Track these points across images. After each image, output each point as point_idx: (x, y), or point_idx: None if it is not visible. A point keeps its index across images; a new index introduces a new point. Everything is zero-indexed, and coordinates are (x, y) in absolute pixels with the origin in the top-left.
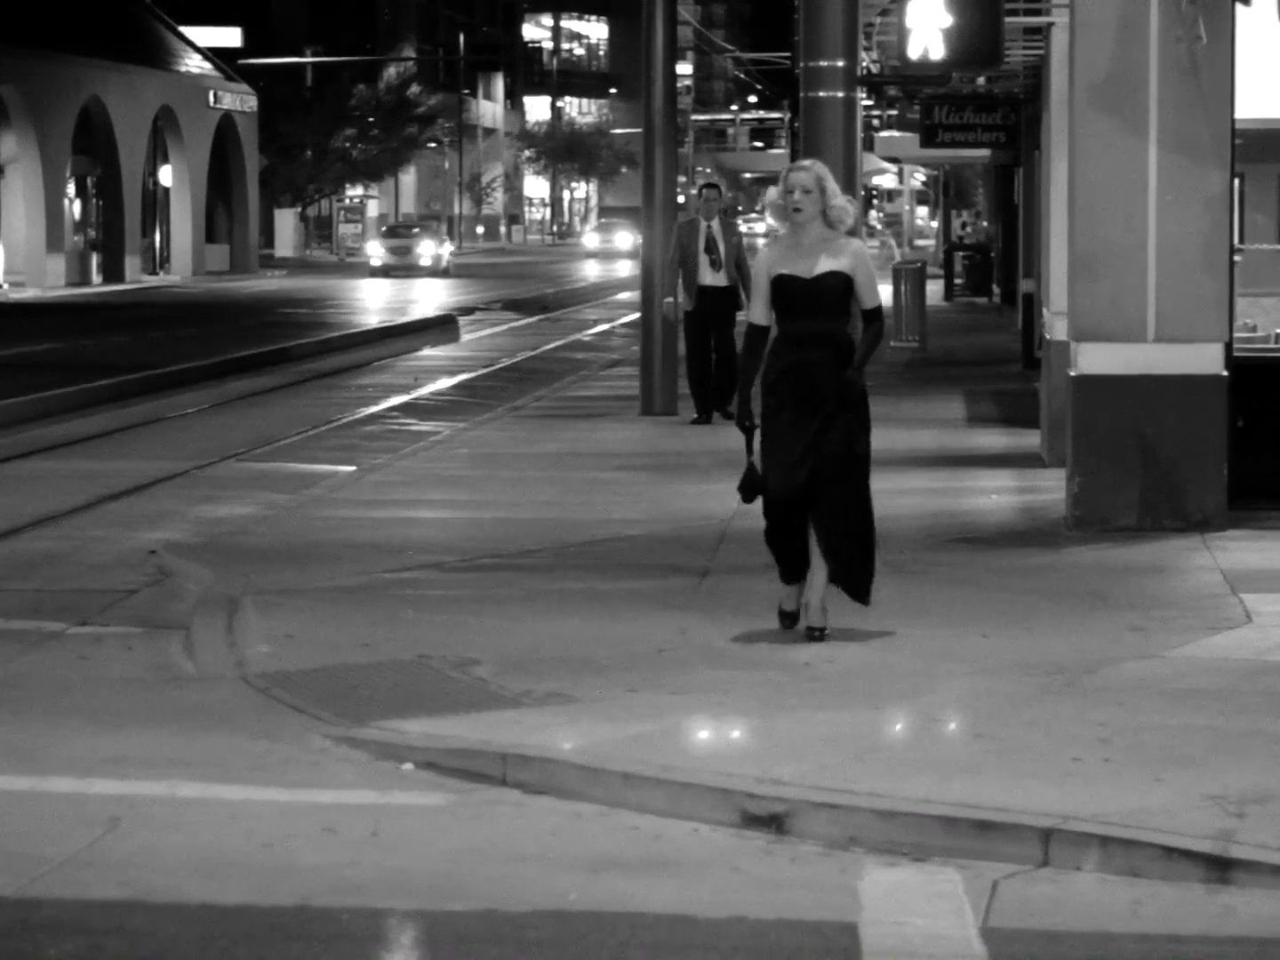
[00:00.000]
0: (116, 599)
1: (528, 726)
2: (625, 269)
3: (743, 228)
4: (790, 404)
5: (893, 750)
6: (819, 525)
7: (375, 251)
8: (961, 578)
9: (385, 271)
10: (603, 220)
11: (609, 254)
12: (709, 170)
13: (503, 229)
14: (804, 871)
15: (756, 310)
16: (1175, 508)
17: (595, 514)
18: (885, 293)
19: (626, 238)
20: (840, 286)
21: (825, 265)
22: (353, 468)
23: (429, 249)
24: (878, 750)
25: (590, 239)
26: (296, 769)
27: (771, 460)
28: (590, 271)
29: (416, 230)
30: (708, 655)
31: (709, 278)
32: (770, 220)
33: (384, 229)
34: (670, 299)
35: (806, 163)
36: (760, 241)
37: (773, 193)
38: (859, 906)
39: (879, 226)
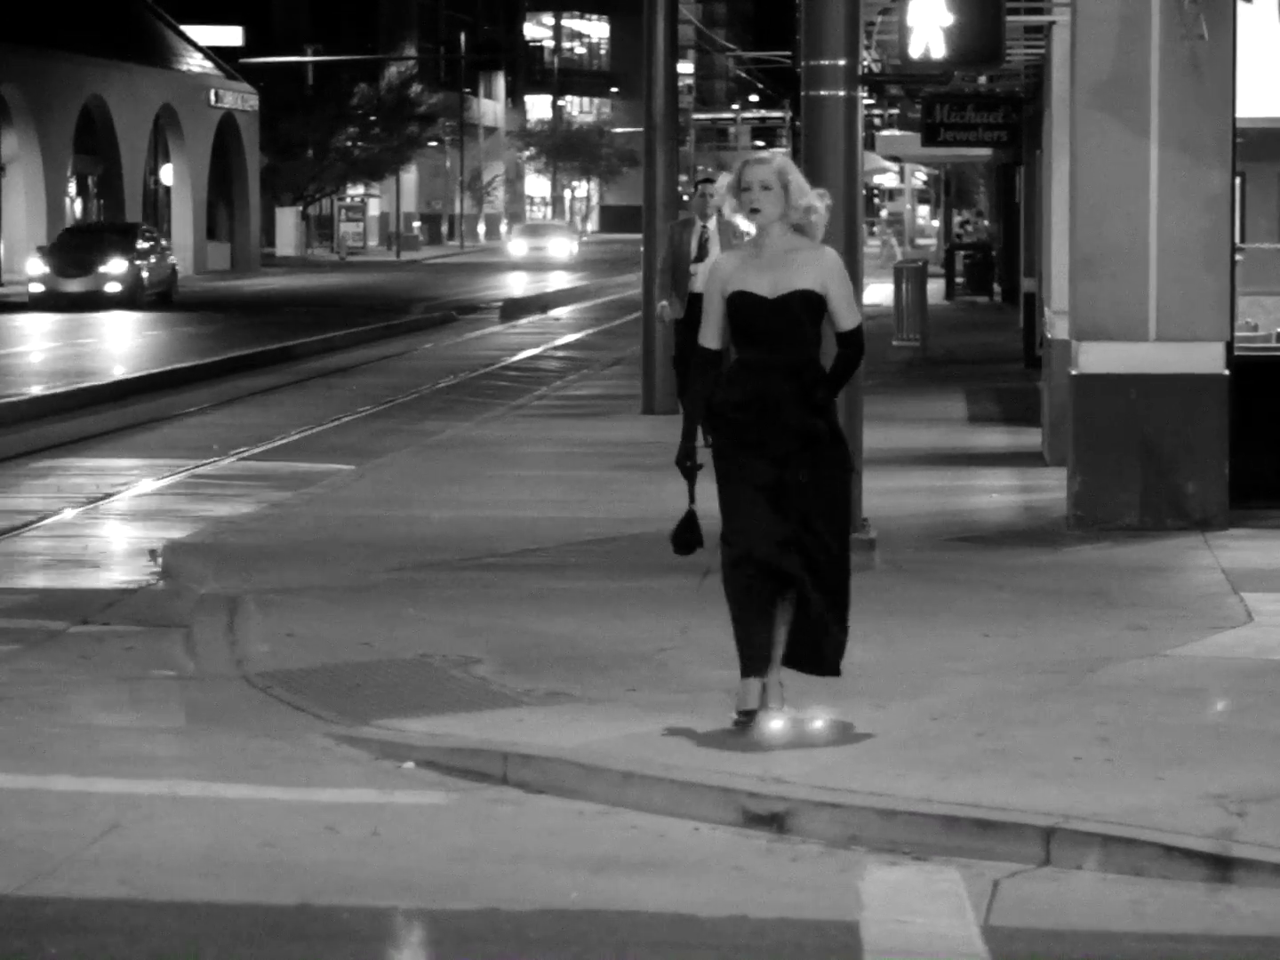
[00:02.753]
0: (117, 598)
1: (529, 725)
2: (561, 281)
3: (745, 227)
4: (749, 444)
5: (893, 749)
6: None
7: (34, 269)
8: (962, 577)
9: (46, 300)
10: (531, 223)
11: (540, 265)
12: (708, 169)
13: (503, 228)
14: (805, 870)
15: (708, 331)
16: (1176, 507)
17: (596, 513)
18: (885, 292)
19: (563, 244)
20: (808, 308)
21: (791, 282)
22: (354, 466)
23: (118, 266)
24: (878, 749)
25: (516, 246)
26: (297, 768)
27: (741, 519)
28: (496, 286)
29: (100, 235)
30: (708, 654)
31: (700, 283)
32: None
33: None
34: (665, 303)
35: (766, 154)
36: None
37: (723, 182)
38: (860, 905)
39: (879, 226)
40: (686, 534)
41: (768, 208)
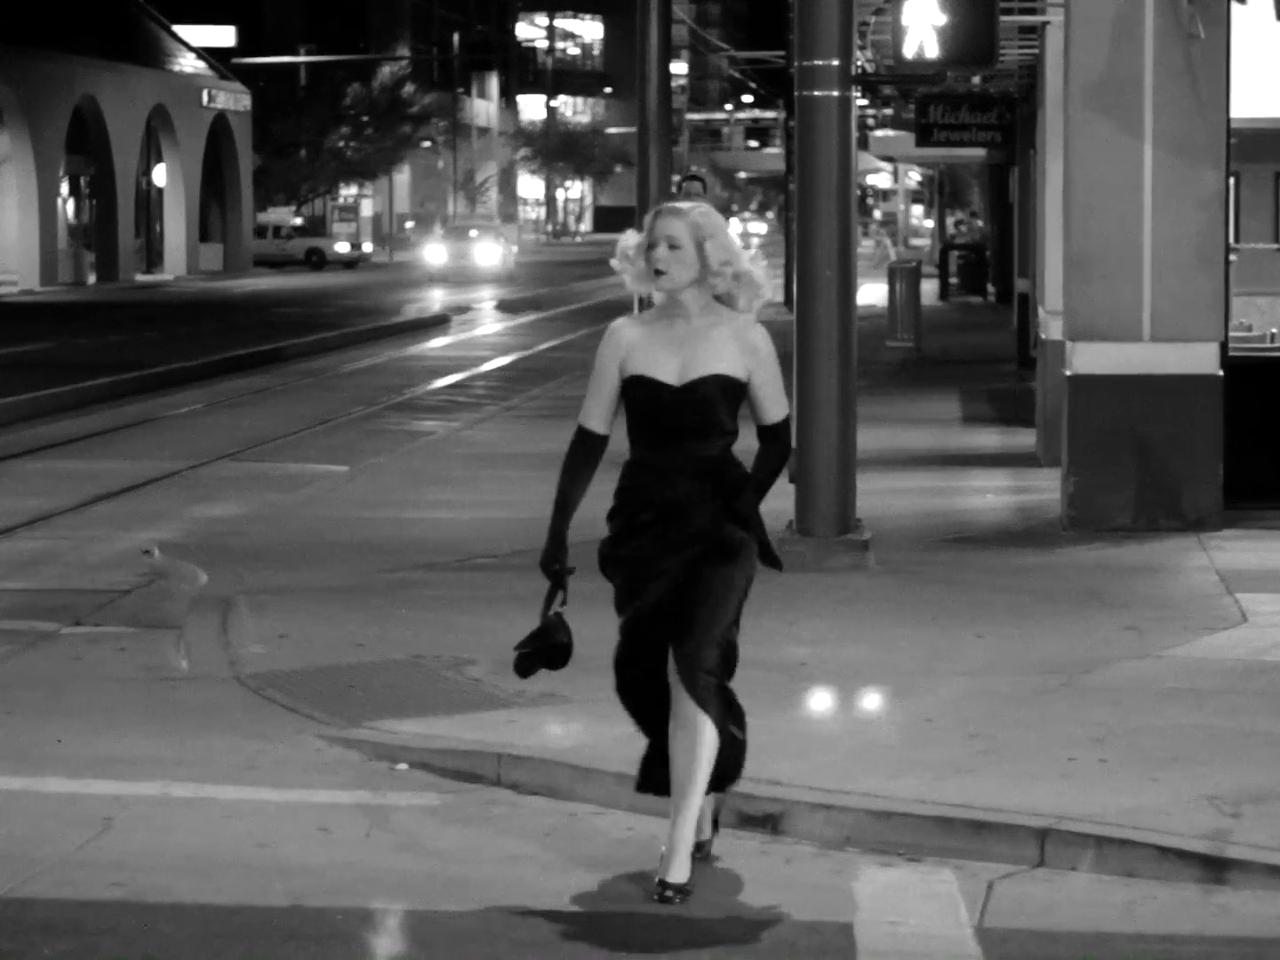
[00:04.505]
0: (110, 599)
1: (522, 726)
2: (486, 297)
3: (738, 228)
4: (651, 555)
5: (888, 750)
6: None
7: None
8: (956, 578)
9: None
10: (456, 224)
11: (460, 280)
12: (700, 168)
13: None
14: (799, 871)
15: (593, 410)
16: (1170, 507)
17: (590, 513)
18: (879, 293)
19: (492, 251)
20: (725, 397)
21: (705, 364)
22: (346, 467)
23: None
24: (873, 750)
25: (434, 253)
26: (290, 769)
27: (632, 650)
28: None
29: None
30: None
31: None
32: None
33: None
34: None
35: (685, 205)
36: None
37: (629, 239)
38: (854, 906)
39: (874, 227)
40: (534, 651)
41: (675, 270)
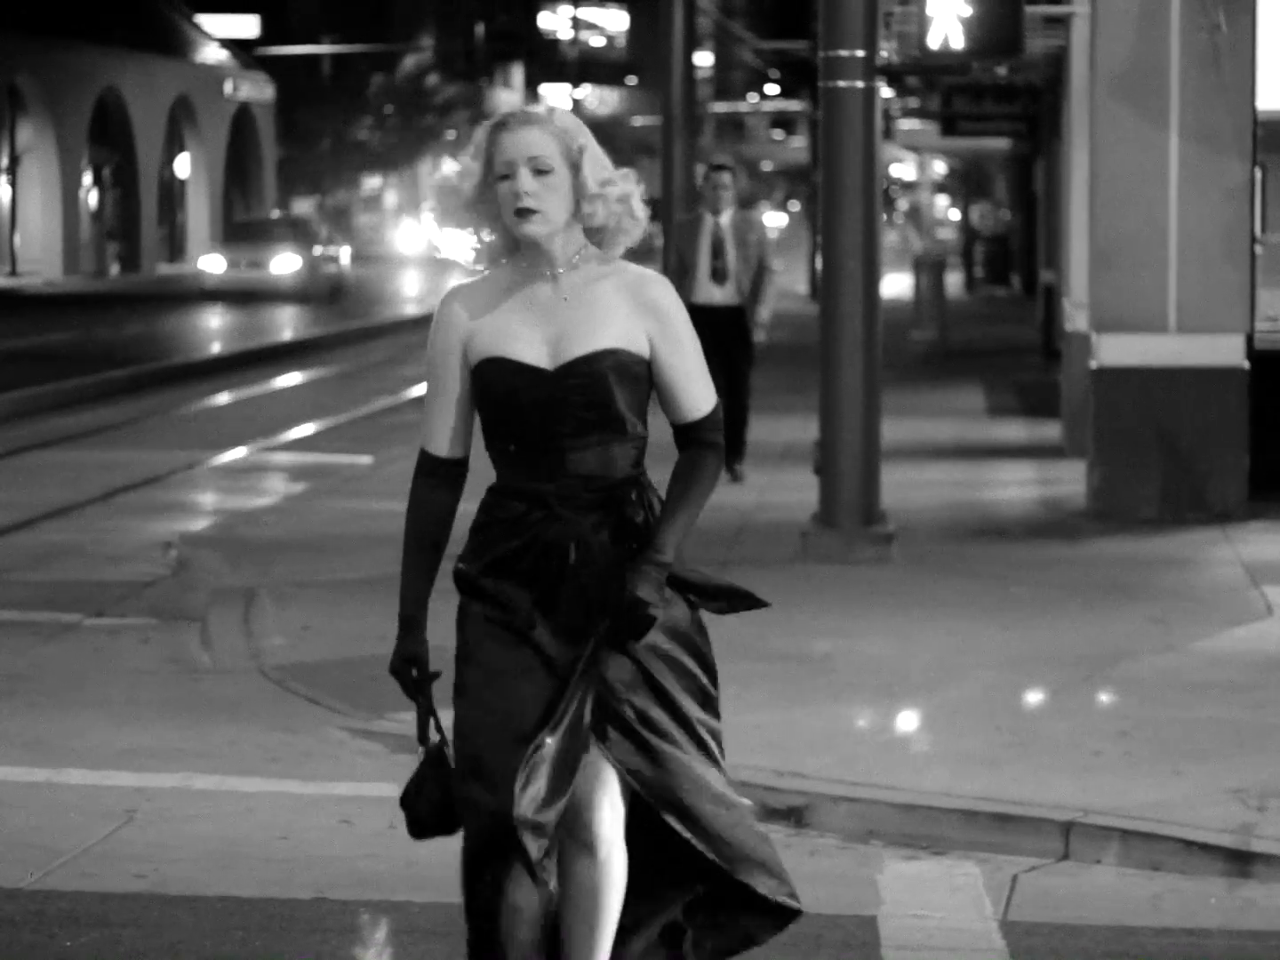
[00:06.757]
0: (133, 590)
1: None
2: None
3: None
4: (518, 624)
5: (912, 743)
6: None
7: None
8: (981, 570)
9: None
10: (245, 219)
11: (252, 292)
12: (721, 157)
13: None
14: (823, 864)
15: (436, 425)
16: (1196, 499)
17: None
18: (904, 284)
19: (292, 260)
20: (622, 380)
21: (587, 339)
22: (371, 459)
23: None
24: (897, 743)
25: (212, 262)
26: (313, 761)
27: (491, 757)
28: None
29: None
30: (726, 647)
31: (714, 294)
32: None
33: None
34: None
35: (539, 109)
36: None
37: (452, 172)
38: (878, 899)
39: (900, 218)
40: (421, 797)
41: (550, 205)
